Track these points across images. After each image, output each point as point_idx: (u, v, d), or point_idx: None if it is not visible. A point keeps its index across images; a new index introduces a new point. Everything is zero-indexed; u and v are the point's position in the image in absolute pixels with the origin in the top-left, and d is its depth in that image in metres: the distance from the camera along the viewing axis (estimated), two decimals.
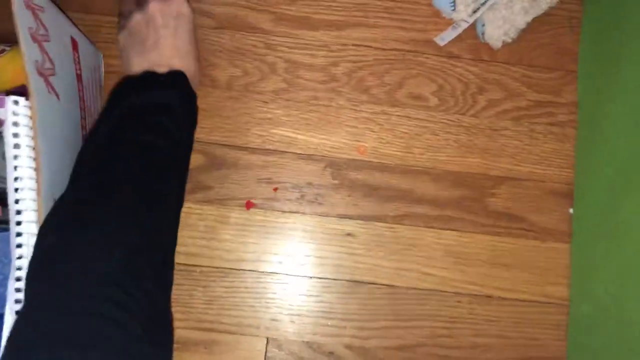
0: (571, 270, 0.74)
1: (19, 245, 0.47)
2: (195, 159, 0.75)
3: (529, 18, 0.75)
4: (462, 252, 0.75)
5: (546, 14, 0.77)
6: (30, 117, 0.45)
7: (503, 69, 0.78)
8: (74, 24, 0.64)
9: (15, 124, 0.44)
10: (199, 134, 0.75)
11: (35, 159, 0.46)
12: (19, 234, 0.46)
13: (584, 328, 0.71)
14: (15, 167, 0.45)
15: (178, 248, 0.71)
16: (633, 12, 0.69)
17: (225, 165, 0.75)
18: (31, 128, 0.45)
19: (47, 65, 0.51)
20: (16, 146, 0.45)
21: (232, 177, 0.75)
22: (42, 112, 0.47)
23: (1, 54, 0.66)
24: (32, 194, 0.46)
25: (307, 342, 0.72)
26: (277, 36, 0.78)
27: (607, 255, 0.69)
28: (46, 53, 0.51)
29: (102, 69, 0.74)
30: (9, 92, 0.60)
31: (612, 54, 0.73)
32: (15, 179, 0.46)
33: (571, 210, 0.76)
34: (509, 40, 0.76)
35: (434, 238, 0.75)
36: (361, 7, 0.79)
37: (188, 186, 0.73)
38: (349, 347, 0.73)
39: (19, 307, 0.48)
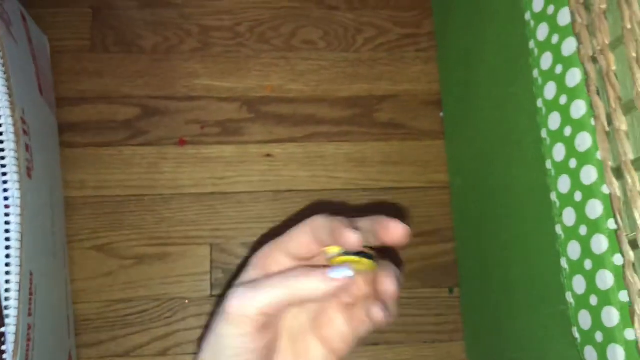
0: (447, 157, 0.93)
1: (2, 157, 0.61)
2: (132, 111, 0.90)
3: None
4: (359, 157, 0.92)
5: None
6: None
7: (373, 13, 0.98)
8: (21, 4, 0.80)
9: None
10: (134, 90, 0.91)
11: (7, 79, 0.61)
12: None
13: (461, 198, 0.89)
14: None
15: (127, 183, 0.87)
16: None
17: (158, 113, 0.91)
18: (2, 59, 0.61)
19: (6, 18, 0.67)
20: None
21: (165, 121, 0.91)
22: (9, 48, 0.63)
23: None
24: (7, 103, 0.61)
25: (244, 243, 0.88)
26: (189, 8, 0.95)
27: (468, 141, 0.88)
28: (5, 17, 0.66)
29: (48, 47, 0.90)
30: None
31: None
32: None
33: (441, 114, 0.95)
34: None
35: (336, 149, 0.92)
36: None
37: (128, 133, 0.89)
38: None
39: (6, 194, 0.61)
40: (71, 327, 0.81)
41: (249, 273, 0.36)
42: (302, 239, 0.35)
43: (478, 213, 0.85)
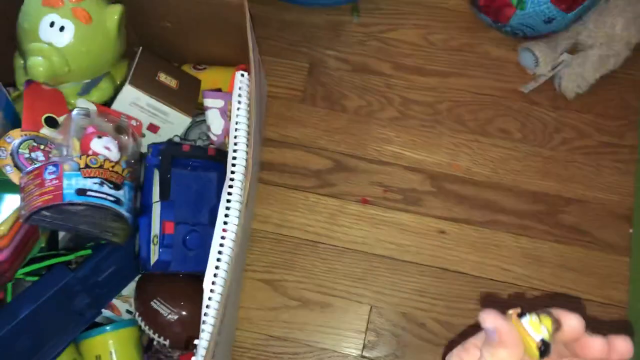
0: (629, 277, 0.88)
1: (231, 186, 0.67)
2: (325, 163, 0.96)
3: (597, 75, 0.95)
4: (536, 255, 0.91)
5: (613, 76, 0.97)
6: (249, 85, 0.68)
7: (576, 115, 0.97)
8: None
9: (240, 88, 0.68)
10: (330, 144, 0.97)
11: (249, 118, 0.68)
12: (232, 171, 0.67)
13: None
14: (237, 123, 0.68)
15: (306, 227, 0.92)
16: None
17: (347, 169, 0.96)
18: (248, 95, 0.68)
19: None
20: (238, 109, 0.68)
21: (352, 178, 0.96)
22: (257, 89, 0.71)
23: (203, 70, 0.92)
24: (245, 140, 0.68)
25: (404, 313, 0.89)
26: (396, 79, 1.01)
27: None
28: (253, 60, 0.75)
29: (267, 91, 0.99)
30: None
31: None
32: (235, 130, 0.68)
33: (631, 230, 0.91)
34: (581, 92, 0.96)
35: (513, 241, 0.91)
36: (463, 62, 1.01)
37: (317, 182, 0.95)
38: (436, 320, 0.88)
39: (227, 219, 0.67)
40: (230, 351, 0.86)
41: None
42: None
43: None
